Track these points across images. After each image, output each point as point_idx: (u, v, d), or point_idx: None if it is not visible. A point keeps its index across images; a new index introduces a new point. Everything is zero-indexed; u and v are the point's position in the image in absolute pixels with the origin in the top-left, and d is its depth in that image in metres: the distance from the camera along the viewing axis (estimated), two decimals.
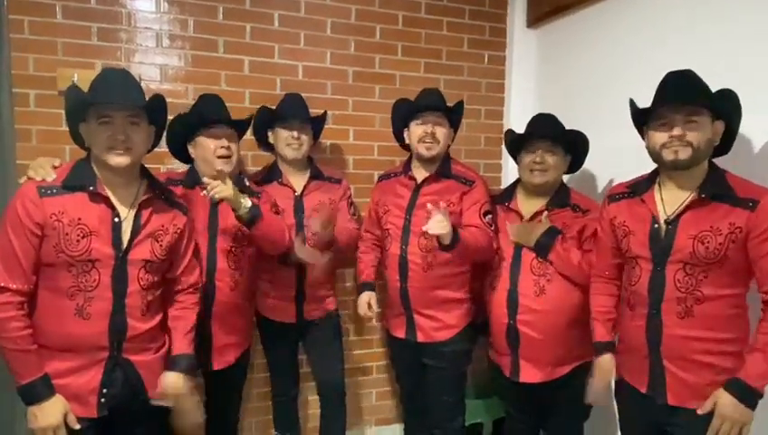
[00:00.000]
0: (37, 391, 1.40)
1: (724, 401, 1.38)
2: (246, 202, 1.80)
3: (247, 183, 2.01)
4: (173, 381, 1.57)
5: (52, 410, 1.41)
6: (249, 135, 2.33)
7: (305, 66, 2.47)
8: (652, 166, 1.62)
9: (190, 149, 1.94)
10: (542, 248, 1.86)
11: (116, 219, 1.47)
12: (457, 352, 2.12)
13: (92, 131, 1.44)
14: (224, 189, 1.74)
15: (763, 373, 1.37)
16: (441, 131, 2.06)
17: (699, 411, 1.42)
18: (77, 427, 1.44)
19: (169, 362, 1.60)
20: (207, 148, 1.87)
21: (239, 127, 1.99)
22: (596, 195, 2.22)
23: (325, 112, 2.26)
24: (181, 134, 1.91)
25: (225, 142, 1.88)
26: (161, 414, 1.74)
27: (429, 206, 1.81)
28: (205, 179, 1.76)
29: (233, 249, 1.91)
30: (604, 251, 1.74)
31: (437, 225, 1.76)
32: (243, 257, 1.94)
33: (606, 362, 1.69)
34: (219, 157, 1.87)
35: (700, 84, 1.47)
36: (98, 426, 1.49)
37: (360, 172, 2.59)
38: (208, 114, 1.89)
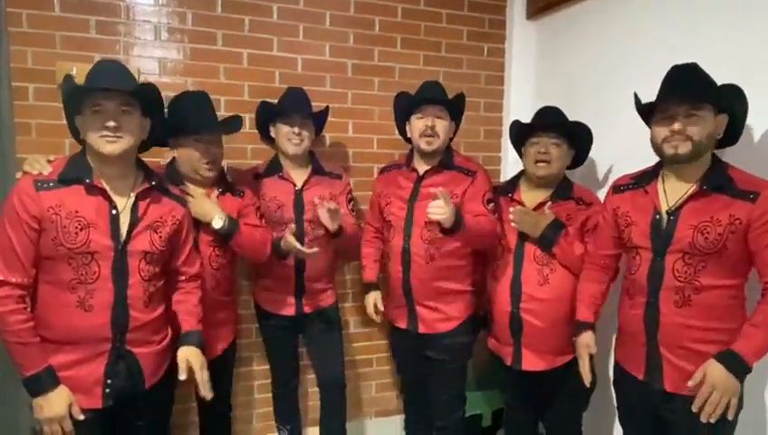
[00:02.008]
0: (42, 383, 1.41)
1: (714, 371, 1.40)
2: (218, 222, 1.82)
3: (230, 180, 2.00)
4: (183, 354, 1.59)
5: (57, 401, 1.42)
6: (248, 128, 2.33)
7: (304, 59, 2.46)
8: (651, 159, 1.63)
9: (171, 147, 1.89)
10: (547, 242, 1.87)
11: (113, 211, 1.48)
12: (459, 343, 2.13)
13: (86, 122, 1.45)
14: (194, 205, 1.78)
15: (757, 349, 1.39)
16: (441, 125, 2.06)
17: (689, 383, 1.43)
18: (81, 417, 1.45)
19: (181, 340, 1.63)
20: (193, 154, 1.84)
21: (227, 132, 1.97)
22: (595, 187, 2.22)
23: (327, 108, 2.25)
24: (166, 130, 1.85)
25: (211, 151, 1.86)
26: (162, 407, 1.76)
27: (432, 189, 1.83)
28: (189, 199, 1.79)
29: (214, 249, 1.90)
30: (604, 240, 1.76)
31: (436, 211, 1.76)
32: (224, 257, 1.94)
33: (582, 340, 1.74)
34: (205, 163, 1.85)
35: (703, 78, 1.47)
36: (102, 417, 1.51)
37: (359, 165, 2.59)
38: (198, 122, 1.83)
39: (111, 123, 1.42)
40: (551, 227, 1.86)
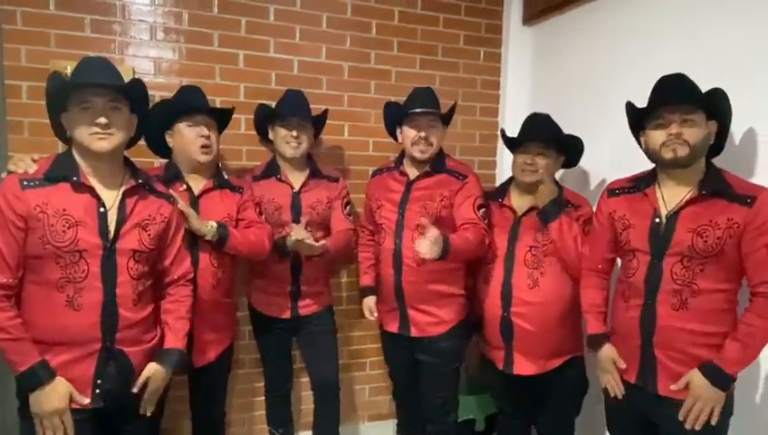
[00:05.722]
0: (38, 375, 1.39)
1: (697, 382, 1.45)
2: (211, 229, 1.81)
3: (226, 176, 1.99)
4: (149, 371, 1.56)
5: (55, 394, 1.40)
6: (244, 129, 2.32)
7: (300, 61, 2.46)
8: (646, 162, 1.63)
9: (168, 139, 1.90)
10: (548, 214, 1.86)
11: (101, 209, 1.46)
12: (451, 347, 2.12)
13: (74, 119, 1.44)
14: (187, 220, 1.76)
15: (737, 361, 1.43)
16: (434, 133, 2.05)
17: (673, 387, 1.50)
18: (86, 401, 1.44)
19: (157, 354, 1.59)
20: (188, 136, 1.85)
21: (220, 117, 1.97)
22: (589, 192, 2.22)
23: (326, 111, 2.25)
24: (160, 122, 1.88)
25: (205, 131, 1.86)
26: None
27: (423, 220, 1.82)
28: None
29: (215, 247, 1.88)
30: (600, 244, 1.75)
31: (428, 250, 1.76)
32: (225, 255, 1.92)
33: (607, 353, 1.69)
34: (200, 146, 1.85)
35: (694, 86, 1.50)
36: (93, 419, 1.48)
37: (354, 168, 2.59)
38: (190, 102, 1.88)
39: (103, 120, 1.41)
40: (554, 202, 1.86)
